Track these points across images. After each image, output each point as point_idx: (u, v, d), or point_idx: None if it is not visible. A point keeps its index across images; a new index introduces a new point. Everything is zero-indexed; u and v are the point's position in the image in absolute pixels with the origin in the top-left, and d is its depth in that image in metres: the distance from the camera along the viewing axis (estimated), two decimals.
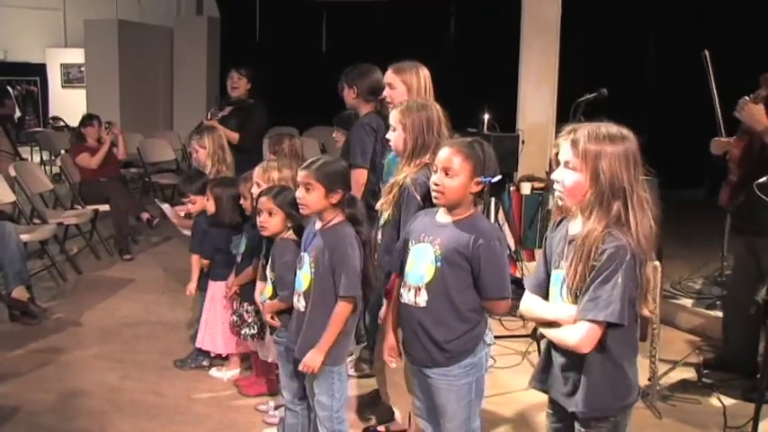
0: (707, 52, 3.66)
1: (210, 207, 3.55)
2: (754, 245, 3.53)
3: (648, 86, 8.82)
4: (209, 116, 5.19)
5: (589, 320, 1.77)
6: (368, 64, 3.70)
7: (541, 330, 1.96)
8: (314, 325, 2.47)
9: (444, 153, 2.19)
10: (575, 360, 1.89)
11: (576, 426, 1.95)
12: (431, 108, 2.67)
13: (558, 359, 1.95)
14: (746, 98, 3.33)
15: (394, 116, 2.68)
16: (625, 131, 1.82)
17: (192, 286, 3.70)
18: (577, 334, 1.80)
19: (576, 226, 1.86)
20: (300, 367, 2.48)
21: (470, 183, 2.16)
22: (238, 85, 5.29)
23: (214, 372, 3.73)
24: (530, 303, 1.99)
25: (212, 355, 3.74)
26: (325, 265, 2.43)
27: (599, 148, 1.78)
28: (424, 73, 3.10)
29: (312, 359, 2.44)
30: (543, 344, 2.09)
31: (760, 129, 3.24)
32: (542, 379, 2.03)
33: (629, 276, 1.75)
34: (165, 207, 4.39)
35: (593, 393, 1.87)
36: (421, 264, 2.22)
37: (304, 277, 2.51)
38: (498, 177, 2.22)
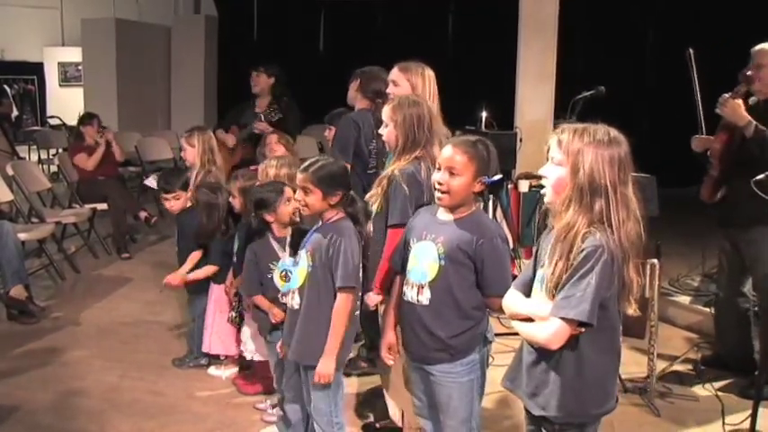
0: (691, 51, 3.71)
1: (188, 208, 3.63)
2: (736, 239, 3.57)
3: (647, 84, 8.82)
4: (261, 118, 5.08)
5: (561, 318, 1.77)
6: (382, 69, 3.70)
7: (513, 325, 1.95)
8: (309, 322, 2.45)
9: (448, 152, 2.19)
10: (542, 361, 1.89)
11: (546, 429, 1.94)
12: (422, 105, 2.68)
13: (527, 357, 1.95)
14: (726, 95, 3.37)
15: (385, 112, 2.69)
16: (615, 134, 1.83)
17: (175, 278, 3.64)
18: (547, 331, 1.80)
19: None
20: (316, 379, 2.43)
21: (474, 183, 2.18)
22: (257, 82, 5.27)
23: (212, 370, 3.73)
24: (510, 299, 2.00)
25: (212, 354, 3.74)
26: (321, 258, 2.42)
27: (581, 145, 1.80)
28: (430, 74, 3.11)
29: (324, 367, 2.40)
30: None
31: (742, 124, 3.29)
32: (512, 378, 2.03)
33: (604, 277, 1.74)
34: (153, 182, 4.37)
35: (569, 398, 1.86)
36: (424, 262, 2.22)
37: (300, 273, 2.51)
38: (499, 177, 2.24)
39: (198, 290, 3.71)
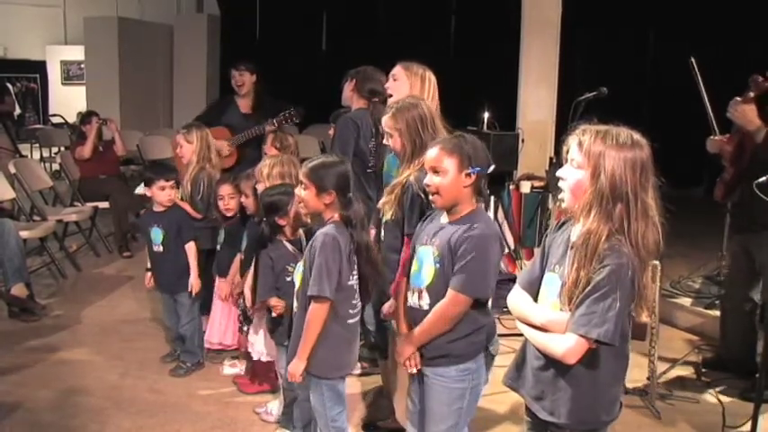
0: (693, 59, 3.74)
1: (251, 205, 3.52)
2: (747, 242, 3.57)
3: (649, 85, 8.82)
4: (282, 119, 4.81)
5: (580, 335, 1.73)
6: (377, 69, 3.71)
7: (523, 331, 1.92)
8: (300, 325, 2.45)
9: (430, 153, 2.18)
10: (552, 367, 1.85)
11: None
12: (420, 105, 2.66)
13: (534, 362, 1.91)
14: (737, 99, 3.37)
15: (386, 123, 2.66)
16: (637, 138, 1.77)
17: (226, 290, 3.60)
18: (565, 345, 1.75)
19: (578, 231, 1.81)
20: (288, 377, 2.45)
21: (460, 176, 2.13)
22: (242, 81, 5.17)
23: (228, 369, 3.72)
24: (519, 301, 1.95)
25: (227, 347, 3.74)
26: (308, 264, 2.41)
27: (603, 148, 1.74)
28: (431, 77, 3.09)
29: (293, 366, 2.41)
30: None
31: (752, 128, 3.29)
32: (514, 377, 2.01)
33: (627, 296, 1.71)
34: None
35: (581, 406, 1.83)
36: (424, 267, 2.21)
37: (297, 277, 2.50)
38: (492, 168, 2.18)
39: (181, 286, 3.67)
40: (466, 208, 2.17)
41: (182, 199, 3.84)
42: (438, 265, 2.16)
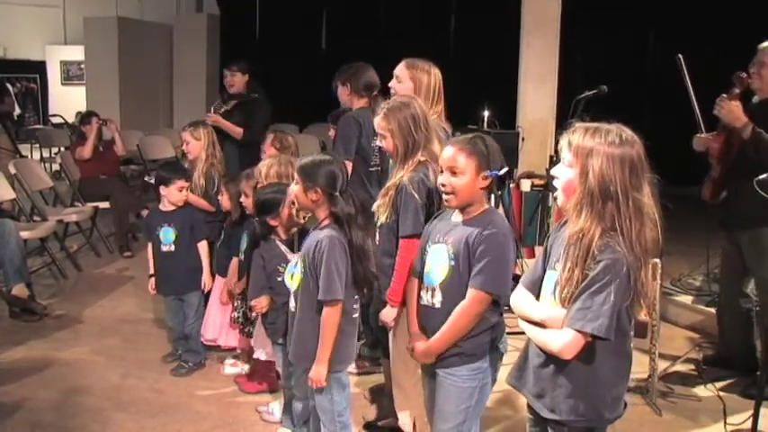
0: (681, 56, 3.76)
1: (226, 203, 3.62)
2: (736, 238, 3.59)
3: (649, 85, 8.82)
4: (212, 110, 5.14)
5: (576, 330, 1.74)
6: (361, 62, 3.72)
7: (523, 328, 1.93)
8: (303, 326, 2.45)
9: (448, 153, 2.18)
10: (551, 364, 1.86)
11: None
12: (412, 104, 2.63)
13: (535, 359, 1.92)
14: (724, 96, 3.39)
15: (378, 124, 2.64)
16: (628, 135, 1.77)
17: (224, 295, 3.61)
18: (561, 340, 1.77)
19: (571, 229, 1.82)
20: (309, 383, 2.45)
21: (477, 178, 2.14)
22: (233, 81, 5.24)
23: (228, 369, 3.71)
24: (520, 299, 1.97)
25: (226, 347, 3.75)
26: (308, 265, 2.40)
27: (592, 145, 1.74)
28: (436, 73, 3.07)
29: (316, 373, 2.41)
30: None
31: (739, 125, 3.30)
32: (517, 376, 2.01)
33: (622, 291, 1.71)
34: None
35: (581, 402, 1.83)
36: (437, 265, 2.21)
37: (295, 277, 2.49)
38: (505, 170, 2.20)
39: (191, 286, 3.69)
40: (479, 207, 2.19)
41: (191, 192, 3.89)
42: (453, 263, 2.16)
